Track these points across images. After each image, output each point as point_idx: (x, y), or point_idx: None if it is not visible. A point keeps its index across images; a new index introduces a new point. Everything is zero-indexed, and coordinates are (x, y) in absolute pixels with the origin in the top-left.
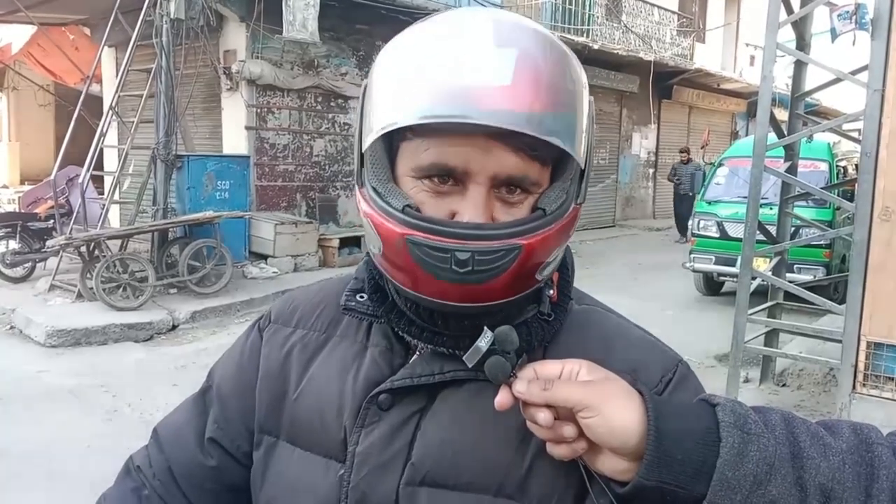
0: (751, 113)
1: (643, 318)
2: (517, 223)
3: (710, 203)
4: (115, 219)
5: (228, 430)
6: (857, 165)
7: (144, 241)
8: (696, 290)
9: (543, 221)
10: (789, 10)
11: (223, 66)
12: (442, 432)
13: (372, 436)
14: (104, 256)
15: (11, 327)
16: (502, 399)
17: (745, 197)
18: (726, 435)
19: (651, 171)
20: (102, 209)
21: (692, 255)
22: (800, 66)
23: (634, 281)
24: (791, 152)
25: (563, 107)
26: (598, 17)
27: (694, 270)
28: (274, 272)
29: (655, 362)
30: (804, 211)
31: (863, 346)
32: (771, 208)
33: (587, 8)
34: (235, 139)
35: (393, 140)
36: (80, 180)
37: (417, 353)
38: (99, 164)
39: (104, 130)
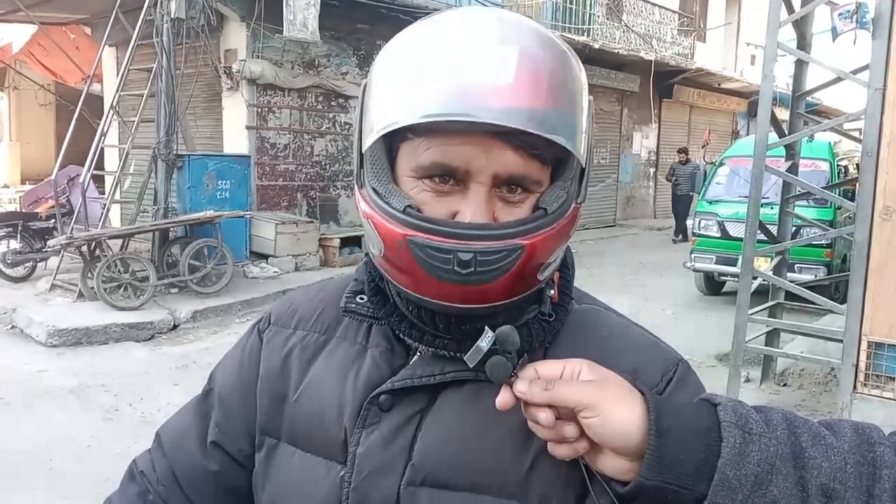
0: (752, 112)
1: (644, 317)
2: (519, 223)
3: (710, 203)
4: (115, 218)
5: (230, 433)
6: (857, 165)
7: (145, 240)
8: (697, 290)
9: (545, 221)
10: (790, 10)
11: (224, 65)
12: (443, 433)
13: (373, 437)
14: (105, 256)
15: (12, 327)
16: (504, 399)
17: (746, 196)
18: (727, 434)
19: (652, 170)
20: (103, 209)
21: (693, 255)
22: (801, 66)
23: (635, 280)
24: (792, 152)
25: (564, 105)
26: (598, 17)
27: (695, 270)
28: (275, 272)
29: (656, 361)
30: (805, 210)
31: (864, 345)
32: (772, 208)
33: (588, 7)
34: (236, 139)
35: (393, 140)
36: (80, 180)
37: (418, 353)
38: (100, 164)
39: (105, 130)
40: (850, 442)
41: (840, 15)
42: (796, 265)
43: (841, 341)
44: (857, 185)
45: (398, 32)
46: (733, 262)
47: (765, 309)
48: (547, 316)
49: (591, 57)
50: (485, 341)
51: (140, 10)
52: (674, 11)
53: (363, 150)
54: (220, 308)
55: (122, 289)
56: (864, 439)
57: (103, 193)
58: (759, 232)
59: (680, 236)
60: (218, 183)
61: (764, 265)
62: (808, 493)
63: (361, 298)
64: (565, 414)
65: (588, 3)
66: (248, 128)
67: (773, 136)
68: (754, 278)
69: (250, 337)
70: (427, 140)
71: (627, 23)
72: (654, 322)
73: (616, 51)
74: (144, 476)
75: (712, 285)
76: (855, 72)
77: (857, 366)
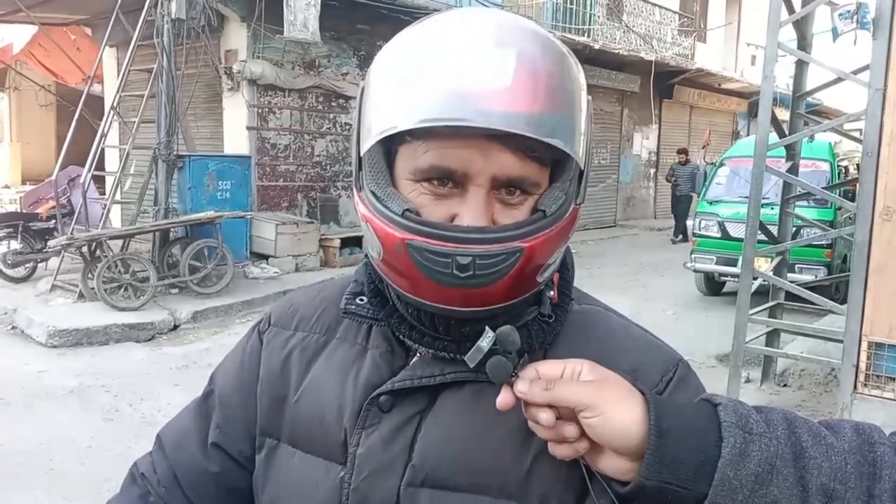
0: (752, 113)
1: (644, 317)
2: (518, 225)
3: (711, 203)
4: (116, 219)
5: (231, 434)
6: (858, 165)
7: (146, 241)
8: (698, 290)
9: (544, 223)
10: (790, 10)
11: (224, 65)
12: (443, 433)
13: (372, 437)
14: (105, 256)
15: (13, 327)
16: (504, 399)
17: (747, 197)
18: (728, 435)
19: (652, 171)
20: (104, 209)
21: (693, 255)
22: (801, 66)
23: (635, 281)
24: (792, 152)
25: (562, 107)
26: (599, 17)
27: (695, 270)
28: (275, 272)
29: (656, 362)
30: (805, 211)
31: (864, 346)
32: (772, 208)
33: (588, 7)
34: (236, 139)
35: (391, 143)
36: (81, 180)
37: (418, 354)
38: (100, 165)
39: (105, 130)
40: (851, 442)
41: (840, 15)
42: (796, 265)
43: (841, 342)
44: (858, 185)
45: (398, 33)
46: (733, 263)
47: (765, 309)
48: (546, 317)
49: (591, 57)
50: (485, 341)
51: (140, 10)
52: (674, 12)
53: (361, 153)
54: (221, 308)
55: (122, 289)
56: (865, 439)
57: (104, 194)
58: (759, 232)
59: (680, 236)
60: (218, 183)
61: (764, 265)
62: (808, 493)
63: (361, 300)
64: (566, 414)
65: (588, 3)
66: (248, 128)
67: (773, 137)
68: (754, 279)
69: (250, 338)
70: (425, 143)
71: (628, 23)
72: (655, 322)
73: (616, 51)
74: (145, 478)
75: (712, 286)
76: (855, 72)
77: (857, 366)
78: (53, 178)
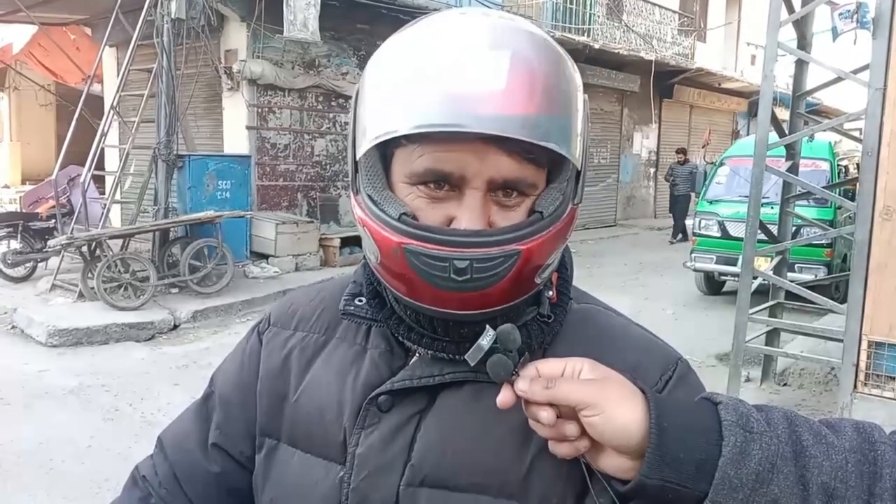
0: (752, 112)
1: (644, 317)
2: (515, 228)
3: (711, 202)
4: (116, 218)
5: (231, 434)
6: (858, 164)
7: (145, 240)
8: (697, 290)
9: (541, 225)
10: (790, 9)
11: (224, 65)
12: (442, 433)
13: (372, 437)
14: (105, 256)
15: (13, 327)
16: (504, 397)
17: (747, 196)
18: (729, 433)
19: (652, 170)
20: (104, 209)
21: (693, 255)
22: (801, 66)
23: (635, 280)
24: (792, 151)
25: (558, 109)
26: (598, 17)
27: (695, 270)
28: (275, 272)
29: (655, 360)
30: (805, 210)
31: (864, 345)
32: (772, 207)
33: (588, 7)
34: (236, 139)
35: (387, 146)
36: (81, 180)
37: (417, 354)
38: (100, 164)
39: (105, 130)
40: (851, 441)
41: (840, 15)
42: (796, 265)
43: (841, 341)
44: (858, 184)
45: (394, 34)
46: (733, 262)
47: (765, 309)
48: (545, 317)
49: (591, 57)
50: (486, 340)
51: (140, 10)
52: (674, 11)
53: (357, 157)
54: (221, 308)
55: (122, 289)
56: (866, 438)
57: (103, 194)
58: (759, 232)
59: (680, 236)
60: (218, 183)
61: (764, 265)
62: (809, 491)
63: (360, 301)
64: (566, 412)
65: (588, 3)
66: (248, 128)
67: (773, 136)
68: (754, 278)
69: (250, 338)
70: (421, 147)
71: (627, 23)
72: (655, 322)
73: (616, 51)
74: (146, 481)
75: (712, 285)
76: (855, 72)
77: (857, 365)
78: (53, 177)
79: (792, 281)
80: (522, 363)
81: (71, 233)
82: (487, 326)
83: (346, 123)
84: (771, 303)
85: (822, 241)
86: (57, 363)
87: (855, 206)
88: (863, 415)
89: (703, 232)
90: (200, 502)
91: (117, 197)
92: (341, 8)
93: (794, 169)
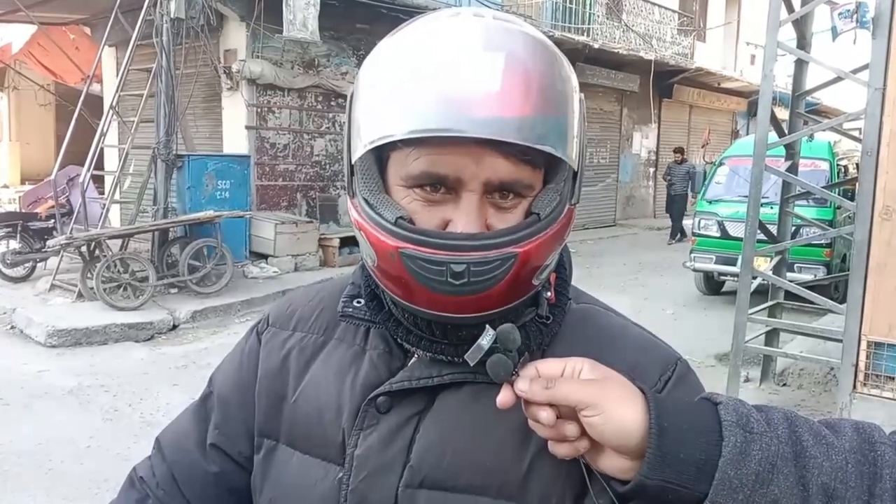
0: (751, 112)
1: (644, 317)
2: (512, 230)
3: (710, 202)
4: (115, 218)
5: (230, 435)
6: (857, 164)
7: (145, 240)
8: (697, 290)
9: (538, 227)
10: (790, 9)
11: (223, 65)
12: (441, 434)
13: (370, 438)
14: (105, 256)
15: (12, 327)
16: (504, 398)
17: (746, 196)
18: (729, 434)
19: (652, 170)
20: (103, 209)
21: (693, 255)
22: (800, 65)
23: (635, 280)
24: (792, 151)
25: (553, 110)
26: (598, 16)
27: (694, 270)
28: (274, 272)
29: (654, 361)
30: (805, 210)
31: (863, 345)
32: (771, 207)
33: (588, 7)
34: (236, 139)
35: (382, 149)
36: (80, 180)
37: (416, 356)
38: (99, 164)
39: (104, 130)
40: (851, 441)
41: (840, 14)
42: (796, 265)
43: (840, 341)
44: (857, 184)
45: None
46: (733, 262)
47: (764, 309)
48: (544, 318)
49: (590, 57)
50: (486, 339)
51: (140, 10)
52: (673, 11)
53: (353, 160)
54: (220, 308)
55: (121, 289)
56: (865, 438)
57: (103, 193)
58: (758, 231)
59: (679, 235)
60: (217, 183)
61: (763, 265)
62: (809, 492)
63: (358, 302)
64: (566, 413)
65: (588, 2)
66: (247, 128)
67: (772, 136)
68: (754, 278)
69: (249, 339)
70: (416, 150)
71: (627, 22)
72: (654, 322)
73: (616, 50)
74: (144, 482)
75: (712, 285)
76: (855, 71)
77: (856, 365)
78: (52, 177)
79: (791, 281)
80: (522, 363)
81: (70, 233)
82: (487, 326)
83: (344, 124)
84: (770, 303)
85: (822, 241)
86: (56, 363)
87: (854, 205)
88: (862, 415)
89: (702, 232)
90: (198, 502)
91: (116, 197)
92: (341, 8)
93: (793, 169)
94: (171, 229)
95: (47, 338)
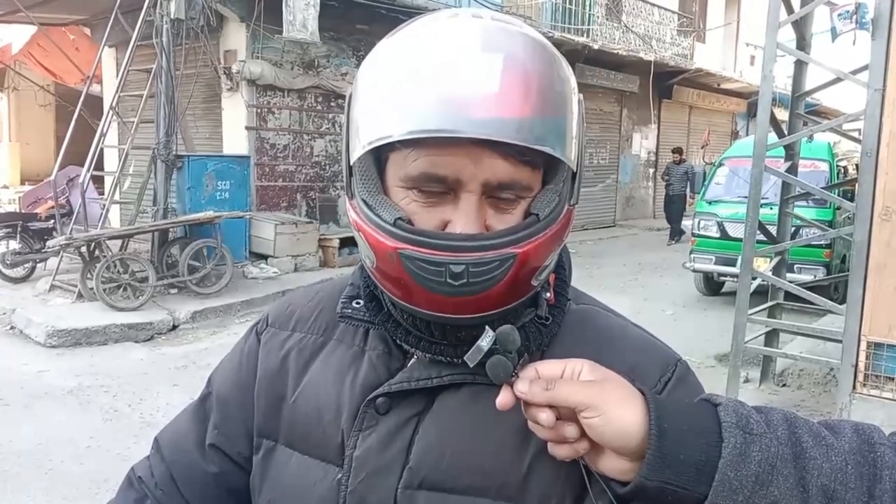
0: (751, 113)
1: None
2: (511, 231)
3: (710, 203)
4: (115, 219)
5: (229, 435)
6: (857, 165)
7: (145, 241)
8: (697, 290)
9: (537, 228)
10: (790, 10)
11: (223, 66)
12: (440, 436)
13: (369, 440)
14: (104, 256)
15: (12, 327)
16: (504, 399)
17: (746, 197)
18: (728, 435)
19: (651, 170)
20: (103, 209)
21: (692, 255)
22: (800, 66)
23: (635, 281)
24: (791, 152)
25: (552, 111)
26: (598, 17)
27: (694, 270)
28: (274, 272)
29: (654, 361)
30: (804, 211)
31: (863, 346)
32: (771, 208)
33: (587, 8)
34: (236, 139)
35: (381, 150)
36: (80, 180)
37: (415, 356)
38: (99, 165)
39: (104, 130)
40: (851, 442)
41: (839, 15)
42: (795, 265)
43: (840, 341)
44: (857, 185)
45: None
46: (733, 263)
47: (764, 309)
48: (543, 319)
49: (590, 57)
50: (485, 341)
51: (140, 10)
52: (673, 12)
53: (351, 161)
54: (220, 308)
55: (121, 289)
56: (865, 440)
57: (103, 194)
58: (758, 232)
59: (679, 235)
60: (217, 183)
61: (763, 265)
62: (808, 493)
63: (357, 303)
64: (566, 414)
65: (587, 3)
66: (247, 128)
67: (772, 137)
68: (753, 279)
69: (248, 339)
70: (415, 151)
71: (627, 23)
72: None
73: (615, 51)
74: (142, 482)
75: (712, 286)
76: (854, 72)
77: (856, 366)
78: (52, 178)
79: (791, 281)
80: (522, 365)
81: (70, 233)
82: (487, 328)
83: (343, 125)
84: (770, 303)
85: (822, 242)
86: (56, 364)
87: (854, 206)
88: (862, 415)
89: (702, 232)
90: (197, 502)
91: (116, 197)
92: (340, 8)
93: (793, 170)
94: (170, 230)
95: (47, 338)
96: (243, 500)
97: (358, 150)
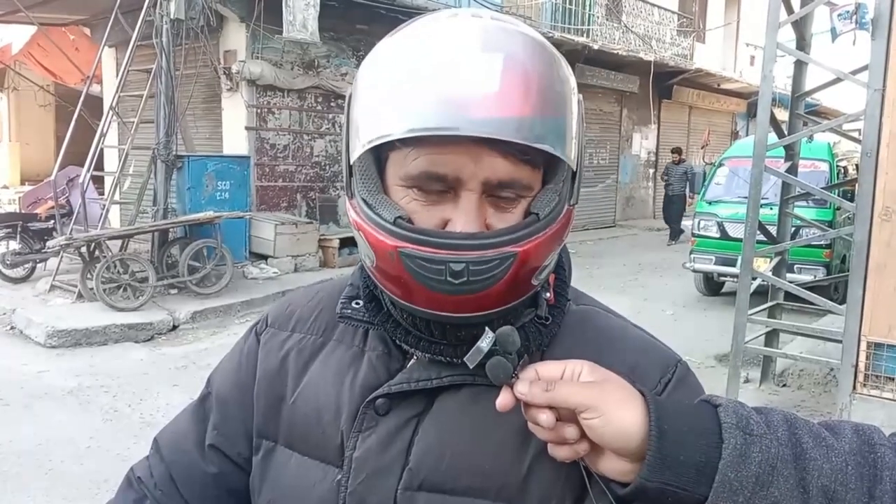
0: (751, 113)
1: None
2: (511, 230)
3: (710, 203)
4: (115, 219)
5: (228, 435)
6: (857, 165)
7: (145, 241)
8: (697, 291)
9: (537, 227)
10: (790, 10)
11: (223, 66)
12: (440, 437)
13: (369, 441)
14: (104, 257)
15: (12, 328)
16: (504, 400)
17: (746, 197)
18: (728, 436)
19: (651, 171)
20: (103, 209)
21: (692, 255)
22: (800, 66)
23: (635, 281)
24: (791, 152)
25: (552, 111)
26: (598, 17)
27: (694, 270)
28: (274, 272)
29: (654, 362)
30: (804, 211)
31: (863, 346)
32: (771, 208)
33: (587, 8)
34: (235, 139)
35: (381, 149)
36: (80, 180)
37: (415, 357)
38: (99, 165)
39: (104, 131)
40: (851, 443)
41: (839, 15)
42: (795, 266)
43: (840, 342)
44: (857, 185)
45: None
46: (733, 263)
47: (764, 309)
48: (543, 319)
49: (590, 58)
50: (485, 342)
51: (139, 10)
52: (673, 12)
53: (351, 161)
54: (220, 309)
55: (121, 290)
56: (865, 441)
57: (103, 194)
58: (758, 232)
59: (679, 235)
60: (217, 184)
61: (763, 266)
62: (809, 494)
63: (357, 303)
64: (566, 415)
65: (587, 3)
66: (247, 128)
67: (772, 137)
68: (754, 279)
69: (248, 339)
70: (415, 150)
71: (627, 23)
72: (654, 322)
73: (615, 51)
74: (142, 482)
75: (712, 286)
76: (854, 72)
77: (856, 366)
78: (52, 178)
79: (791, 282)
80: (521, 365)
81: (70, 233)
82: (486, 328)
83: (343, 125)
84: (770, 304)
85: (822, 242)
86: (56, 364)
87: (854, 206)
88: (862, 416)
89: (702, 233)
90: (196, 502)
91: (116, 197)
92: (340, 8)
93: (793, 170)
94: (170, 230)
95: (47, 338)
96: (243, 501)
97: (358, 150)
